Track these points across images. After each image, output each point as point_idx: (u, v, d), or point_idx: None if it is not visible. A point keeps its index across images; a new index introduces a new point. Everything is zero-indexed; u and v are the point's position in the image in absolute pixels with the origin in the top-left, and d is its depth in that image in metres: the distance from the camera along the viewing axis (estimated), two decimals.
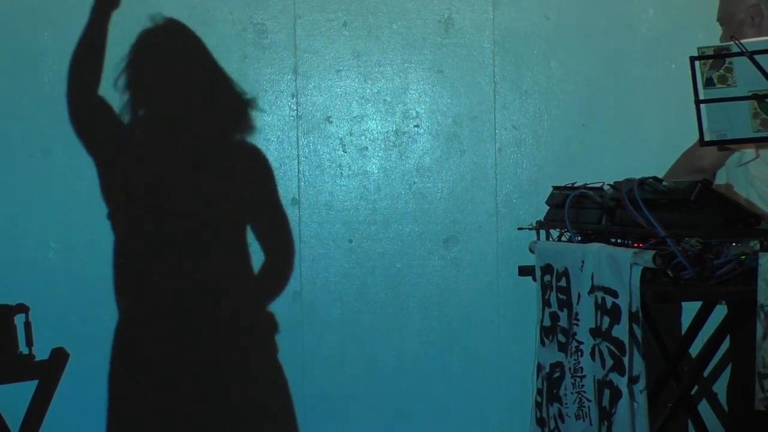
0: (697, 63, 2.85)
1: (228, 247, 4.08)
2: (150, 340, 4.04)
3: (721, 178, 3.58)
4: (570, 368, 2.98)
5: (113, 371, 3.95)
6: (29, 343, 3.67)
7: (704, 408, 3.80)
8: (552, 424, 3.11)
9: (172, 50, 4.08)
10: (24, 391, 3.85)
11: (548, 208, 3.37)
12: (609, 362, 2.79)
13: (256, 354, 4.10)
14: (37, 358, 3.76)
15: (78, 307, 4.03)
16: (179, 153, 4.08)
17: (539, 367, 3.18)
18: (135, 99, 3.97)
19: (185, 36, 4.06)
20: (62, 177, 4.06)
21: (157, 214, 4.08)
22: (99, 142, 4.02)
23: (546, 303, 3.13)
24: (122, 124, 4.00)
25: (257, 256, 4.07)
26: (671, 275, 2.65)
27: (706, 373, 3.63)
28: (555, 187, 3.33)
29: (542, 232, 3.33)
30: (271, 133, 4.13)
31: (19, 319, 3.64)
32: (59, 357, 3.59)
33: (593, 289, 2.85)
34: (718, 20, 3.62)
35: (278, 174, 4.12)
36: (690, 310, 3.58)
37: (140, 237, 4.06)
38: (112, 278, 4.00)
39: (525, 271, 3.33)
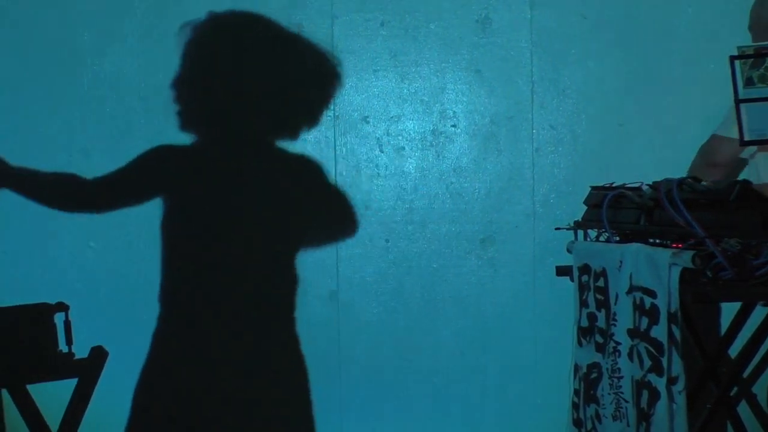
0: (737, 62, 2.83)
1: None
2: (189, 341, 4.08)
3: (761, 178, 3.56)
4: (607, 369, 2.97)
5: (148, 367, 3.98)
6: (69, 341, 3.68)
7: (743, 409, 3.77)
8: (589, 425, 3.10)
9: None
10: (63, 389, 3.87)
11: (586, 208, 3.35)
12: (647, 363, 2.77)
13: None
14: (77, 357, 3.78)
15: (117, 306, 4.06)
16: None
17: (576, 368, 3.17)
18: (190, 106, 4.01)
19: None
20: None
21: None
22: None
23: (583, 303, 3.12)
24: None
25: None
26: (710, 276, 2.63)
27: (745, 374, 3.60)
28: (593, 187, 3.32)
29: (580, 233, 3.32)
30: (309, 134, 4.14)
31: (58, 318, 3.65)
32: (98, 355, 3.60)
33: (631, 289, 2.84)
34: (749, 28, 3.60)
35: None
36: (729, 310, 3.56)
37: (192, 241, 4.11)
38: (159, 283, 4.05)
39: (562, 271, 3.32)
